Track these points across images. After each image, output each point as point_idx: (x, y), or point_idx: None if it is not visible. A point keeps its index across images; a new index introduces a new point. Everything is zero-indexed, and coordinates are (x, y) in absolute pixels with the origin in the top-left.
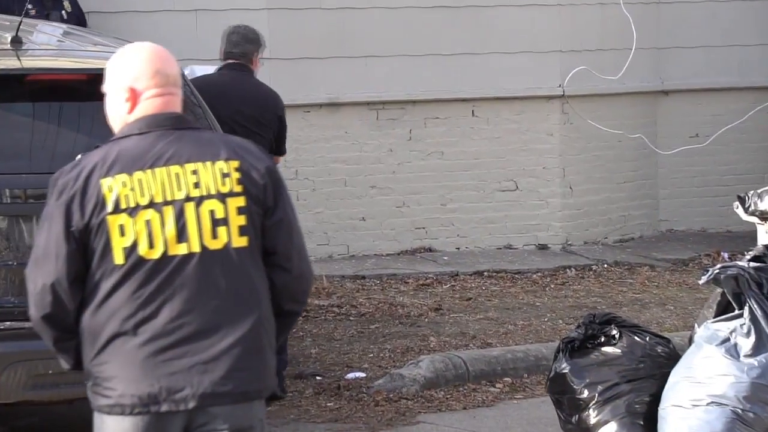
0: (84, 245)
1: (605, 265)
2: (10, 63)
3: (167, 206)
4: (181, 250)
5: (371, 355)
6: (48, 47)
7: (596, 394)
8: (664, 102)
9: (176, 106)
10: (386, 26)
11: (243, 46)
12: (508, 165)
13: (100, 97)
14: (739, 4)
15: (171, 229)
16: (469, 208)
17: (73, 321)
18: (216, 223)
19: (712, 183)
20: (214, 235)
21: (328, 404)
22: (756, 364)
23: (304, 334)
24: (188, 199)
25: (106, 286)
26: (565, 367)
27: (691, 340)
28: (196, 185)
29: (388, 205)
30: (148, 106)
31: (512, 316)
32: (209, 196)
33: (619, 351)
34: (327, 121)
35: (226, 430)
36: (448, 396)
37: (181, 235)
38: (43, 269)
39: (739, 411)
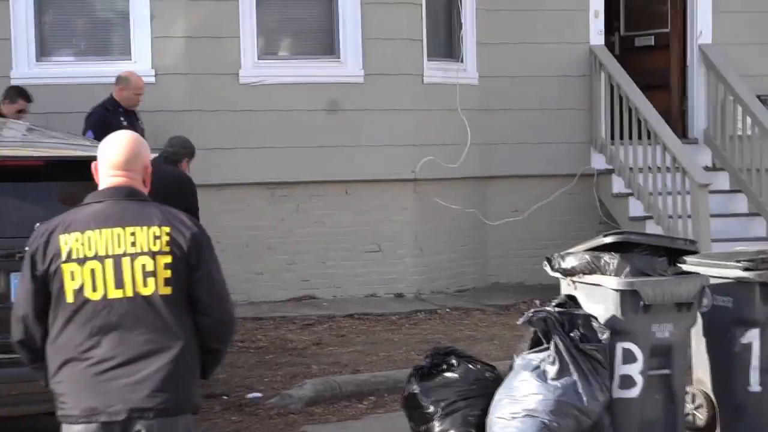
0: (45, 286)
1: (447, 310)
2: None
3: (108, 259)
4: (118, 294)
5: (267, 379)
6: (14, 140)
7: (439, 409)
8: (492, 184)
9: (132, 183)
10: (279, 124)
11: (178, 149)
12: (373, 232)
13: (53, 178)
14: (547, 112)
15: (110, 277)
16: (343, 265)
17: (40, 347)
18: (146, 274)
19: (528, 246)
20: (145, 284)
21: (233, 418)
22: (559, 385)
23: None
24: (125, 254)
25: (60, 320)
26: (416, 388)
27: (511, 368)
28: (133, 244)
29: (280, 262)
30: (110, 181)
31: (376, 348)
32: (142, 253)
33: (457, 375)
34: (233, 196)
35: None
36: (326, 411)
37: (118, 282)
38: (18, 304)
39: (546, 421)
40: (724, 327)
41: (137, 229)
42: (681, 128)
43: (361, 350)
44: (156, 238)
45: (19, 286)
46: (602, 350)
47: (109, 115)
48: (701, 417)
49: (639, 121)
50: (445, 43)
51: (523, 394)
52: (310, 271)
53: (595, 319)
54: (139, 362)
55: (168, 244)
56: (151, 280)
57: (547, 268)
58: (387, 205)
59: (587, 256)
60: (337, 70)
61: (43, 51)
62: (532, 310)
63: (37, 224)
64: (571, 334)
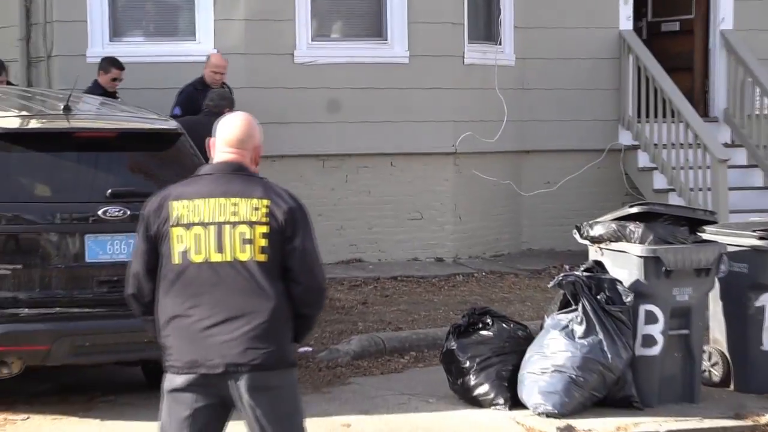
0: (155, 247)
1: (483, 273)
2: (61, 124)
3: (211, 225)
4: (218, 258)
5: (316, 335)
6: (89, 113)
7: (475, 364)
8: (526, 158)
9: (240, 159)
10: (331, 101)
11: (218, 101)
12: (416, 201)
13: (123, 148)
14: (579, 92)
15: (212, 241)
16: (388, 231)
17: (150, 301)
18: (244, 241)
19: (558, 216)
20: (242, 250)
21: None
22: (586, 343)
23: None
24: (227, 222)
25: (168, 280)
26: (453, 345)
27: (541, 327)
28: (234, 213)
29: (330, 228)
30: (222, 157)
31: (417, 308)
32: (242, 222)
33: (492, 333)
34: (287, 167)
35: (247, 392)
36: (371, 365)
37: (219, 247)
38: (133, 261)
39: (574, 376)
40: (739, 291)
41: (239, 200)
42: (703, 107)
43: (403, 309)
44: (255, 209)
45: (134, 246)
46: (626, 312)
47: (197, 93)
48: (717, 373)
49: (664, 101)
50: (485, 26)
51: (553, 351)
52: (357, 237)
53: (620, 283)
54: (235, 321)
55: (266, 215)
56: (248, 247)
57: (577, 236)
58: (429, 176)
59: (614, 225)
60: (384, 51)
61: (115, 32)
62: (561, 274)
63: (109, 191)
64: (598, 297)
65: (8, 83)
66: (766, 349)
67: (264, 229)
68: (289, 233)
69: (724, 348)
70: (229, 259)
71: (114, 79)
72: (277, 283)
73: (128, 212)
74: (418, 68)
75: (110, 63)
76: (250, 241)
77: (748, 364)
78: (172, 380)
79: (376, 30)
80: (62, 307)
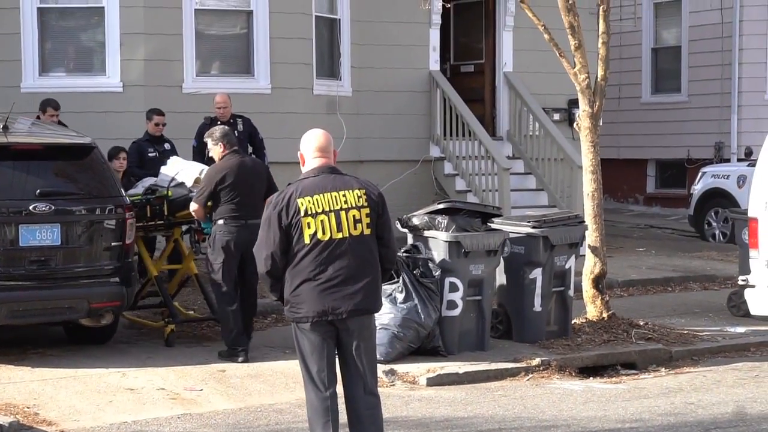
0: (287, 234)
1: None
2: (1, 139)
3: (331, 213)
4: (339, 235)
5: (199, 302)
6: (23, 131)
7: None
8: (361, 166)
9: (329, 162)
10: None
11: (235, 138)
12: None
13: (48, 158)
14: (399, 116)
15: (333, 224)
16: None
17: (281, 275)
18: (356, 221)
19: None
20: (355, 228)
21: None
22: (405, 307)
23: None
24: (341, 209)
25: (299, 255)
26: None
27: None
28: (345, 202)
29: None
30: (316, 162)
31: None
32: (352, 208)
33: None
34: None
35: (356, 330)
36: None
37: (338, 227)
38: (267, 246)
39: (396, 332)
40: (518, 267)
41: (346, 191)
42: (491, 129)
43: None
44: (358, 197)
45: (266, 235)
46: (435, 283)
47: (207, 127)
48: (501, 328)
49: (463, 124)
50: (329, 66)
51: (380, 313)
52: None
53: (432, 261)
54: (353, 281)
55: (366, 200)
56: (359, 225)
57: (398, 226)
58: (289, 178)
59: (426, 218)
60: (252, 84)
61: (43, 68)
62: None
63: (38, 191)
64: (414, 272)
65: None
66: (536, 310)
67: (367, 210)
68: (380, 211)
69: (507, 309)
70: (346, 235)
71: (157, 124)
72: (376, 249)
73: (53, 207)
74: (278, 97)
75: (152, 111)
76: (359, 221)
77: (524, 321)
78: (305, 326)
79: (246, 68)
80: (1, 280)
